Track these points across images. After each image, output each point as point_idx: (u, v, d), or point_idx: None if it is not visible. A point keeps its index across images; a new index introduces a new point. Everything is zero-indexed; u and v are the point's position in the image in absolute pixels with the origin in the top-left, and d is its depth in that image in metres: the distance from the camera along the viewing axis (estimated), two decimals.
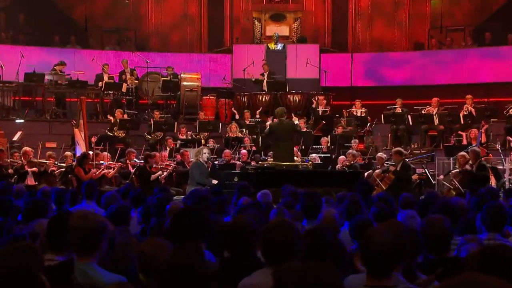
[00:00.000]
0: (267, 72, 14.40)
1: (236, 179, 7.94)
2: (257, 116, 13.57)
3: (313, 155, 10.85)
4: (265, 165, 9.11)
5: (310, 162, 9.29)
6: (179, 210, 2.75)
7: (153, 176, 9.38)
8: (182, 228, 2.62)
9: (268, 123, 9.64)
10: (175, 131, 12.35)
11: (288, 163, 8.71)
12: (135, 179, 9.57)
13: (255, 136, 12.14)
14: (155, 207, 4.21)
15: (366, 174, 9.37)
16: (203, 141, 11.99)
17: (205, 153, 8.32)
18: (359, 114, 13.27)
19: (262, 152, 11.01)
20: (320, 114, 13.22)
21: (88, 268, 2.31)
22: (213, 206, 4.06)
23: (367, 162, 10.66)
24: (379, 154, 10.04)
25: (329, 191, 8.06)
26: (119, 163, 9.79)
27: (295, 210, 4.36)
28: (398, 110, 12.81)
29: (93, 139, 11.18)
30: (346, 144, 11.59)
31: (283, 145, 8.88)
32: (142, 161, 9.80)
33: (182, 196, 6.66)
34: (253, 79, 14.11)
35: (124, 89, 13.26)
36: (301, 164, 9.09)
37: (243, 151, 11.01)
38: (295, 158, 9.39)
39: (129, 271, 2.43)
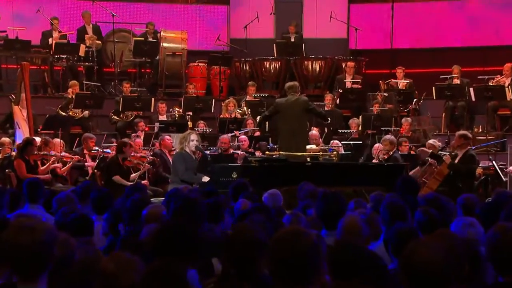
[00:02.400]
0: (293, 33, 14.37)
1: (235, 175, 8.00)
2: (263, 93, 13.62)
3: (337, 141, 10.89)
4: (274, 156, 9.18)
5: (335, 152, 9.34)
6: (166, 221, 2.82)
7: (133, 176, 9.44)
8: (165, 243, 2.68)
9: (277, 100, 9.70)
10: (151, 110, 12.44)
11: (302, 153, 8.79)
12: (99, 176, 9.65)
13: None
14: (127, 212, 4.27)
15: (412, 171, 9.40)
16: (190, 124, 12.05)
17: (192, 140, 8.35)
18: (401, 86, 13.30)
19: (270, 139, 11.06)
20: (349, 87, 13.25)
21: None
22: (204, 212, 4.13)
23: (413, 152, 10.71)
24: (431, 141, 10.06)
25: (360, 192, 8.14)
26: (76, 156, 9.87)
27: (311, 216, 4.42)
28: (456, 80, 12.81)
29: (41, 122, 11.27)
30: (383, 128, 11.64)
31: (293, 130, 8.95)
32: (111, 151, 9.88)
33: (162, 199, 6.73)
34: None
35: (82, 53, 13.31)
36: (322, 154, 9.15)
37: (242, 136, 11.06)
38: (314, 146, 9.46)
39: None
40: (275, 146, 10.16)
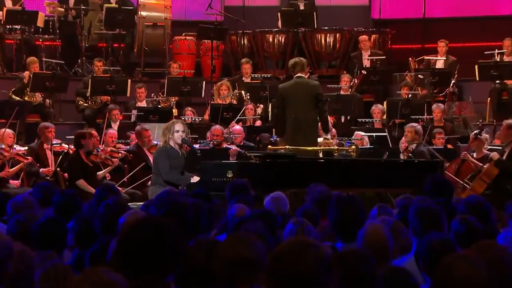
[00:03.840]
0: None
1: (230, 175, 8.02)
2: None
3: (360, 133, 10.89)
4: (279, 151, 9.20)
5: (354, 147, 9.35)
6: (136, 224, 2.81)
7: (100, 174, 9.46)
8: (144, 255, 2.69)
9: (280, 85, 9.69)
10: (128, 94, 12.46)
11: (313, 148, 8.81)
12: (61, 175, 9.67)
13: (261, 106, 12.20)
14: (100, 219, 4.29)
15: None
16: (175, 111, 12.07)
17: (177, 131, 8.34)
18: (437, 65, 13.30)
19: (274, 130, 11.07)
20: (370, 65, 13.26)
21: None
22: (192, 219, 4.15)
23: (450, 146, 10.72)
24: (484, 135, 10.00)
25: (384, 195, 8.17)
26: (29, 158, 9.83)
27: (323, 226, 4.44)
28: (506, 57, 12.79)
29: None
30: (413, 116, 11.65)
31: (301, 120, 8.96)
32: (71, 145, 9.89)
33: (141, 203, 6.74)
34: None
35: (41, 23, 13.31)
36: (337, 149, 9.16)
37: (236, 127, 11.03)
38: (328, 138, 9.46)
39: None
40: (280, 139, 10.17)
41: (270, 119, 11.87)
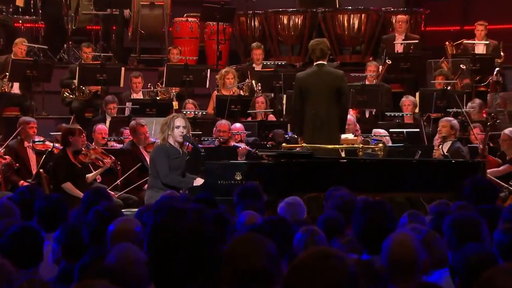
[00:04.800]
0: None
1: (239, 177, 8.05)
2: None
3: (380, 131, 10.86)
4: (294, 150, 9.20)
5: (381, 144, 9.36)
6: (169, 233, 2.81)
7: (90, 177, 9.48)
8: (183, 270, 2.69)
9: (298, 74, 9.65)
10: (121, 84, 12.50)
11: (334, 146, 8.80)
12: (45, 178, 9.70)
13: (272, 95, 12.22)
14: (88, 228, 4.33)
15: (491, 170, 9.39)
16: (175, 104, 12.09)
17: (178, 127, 8.38)
18: (476, 50, 13.27)
19: (289, 126, 11.08)
20: (401, 51, 13.24)
21: None
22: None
23: (491, 145, 10.68)
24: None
25: (416, 200, 8.15)
26: (7, 157, 9.87)
27: (347, 236, 4.45)
28: None
29: None
30: (450, 109, 11.64)
31: (321, 115, 8.95)
32: (57, 143, 9.91)
33: (135, 209, 6.77)
34: None
35: (20, 2, 13.38)
36: (362, 147, 9.17)
37: (236, 125, 10.95)
38: (350, 135, 9.46)
39: None
40: (294, 135, 10.19)
41: (284, 113, 11.88)
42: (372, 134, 10.60)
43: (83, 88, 12.47)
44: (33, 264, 4.05)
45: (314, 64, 9.19)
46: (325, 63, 9.18)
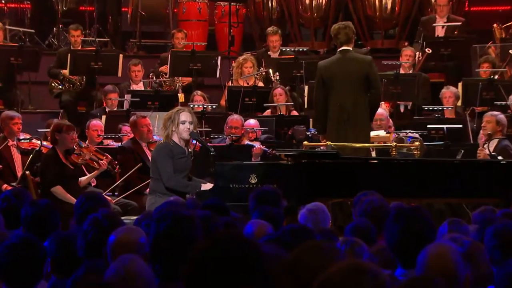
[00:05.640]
0: None
1: (254, 180, 8.07)
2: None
3: (406, 132, 10.81)
4: (318, 149, 9.22)
5: (417, 143, 9.37)
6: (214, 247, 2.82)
7: (83, 180, 9.50)
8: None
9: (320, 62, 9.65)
10: (119, 73, 12.55)
11: (363, 144, 8.80)
12: (32, 181, 9.74)
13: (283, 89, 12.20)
14: (84, 238, 4.35)
15: None
16: (181, 96, 12.10)
17: (183, 123, 8.40)
18: None
19: (311, 121, 11.08)
20: (442, 35, 13.21)
21: None
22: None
23: None
24: None
25: (458, 206, 8.14)
26: None
27: (380, 247, 4.46)
28: None
29: None
30: (498, 102, 11.61)
31: (348, 109, 8.94)
32: (45, 141, 9.94)
33: (135, 217, 6.82)
34: None
35: None
36: (396, 146, 9.17)
37: (250, 121, 10.97)
38: (381, 132, 9.44)
39: None
40: (318, 133, 10.19)
41: (306, 107, 11.88)
42: (406, 133, 10.58)
43: (74, 78, 12.46)
44: (32, 284, 4.01)
45: (338, 50, 9.21)
46: (350, 48, 9.20)
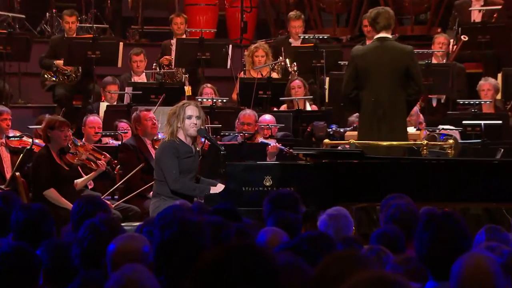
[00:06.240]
0: None
1: (269, 183, 8.08)
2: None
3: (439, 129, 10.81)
4: (340, 147, 9.21)
5: (451, 141, 9.36)
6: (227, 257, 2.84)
7: (79, 183, 9.53)
8: None
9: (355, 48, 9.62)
10: (118, 64, 12.58)
11: (390, 142, 8.81)
12: (22, 183, 9.77)
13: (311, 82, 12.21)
14: (80, 246, 4.38)
15: None
16: (188, 89, 12.12)
17: (189, 118, 8.41)
18: None
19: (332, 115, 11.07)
20: (479, 20, 13.19)
21: None
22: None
23: None
24: None
25: (497, 212, 8.13)
26: None
27: (408, 257, 4.47)
28: None
29: None
30: None
31: (386, 104, 8.95)
32: (37, 139, 9.96)
33: (138, 224, 6.84)
34: None
35: None
36: (427, 144, 9.16)
37: (265, 117, 10.95)
38: (411, 129, 9.42)
39: None
40: (342, 130, 10.20)
41: (327, 101, 11.88)
42: (440, 128, 10.56)
43: (69, 69, 12.47)
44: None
45: (375, 37, 9.16)
46: (390, 36, 9.15)
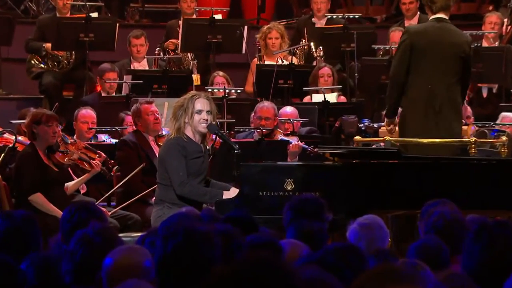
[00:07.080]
0: None
1: (290, 186, 8.10)
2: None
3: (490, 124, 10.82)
4: (374, 146, 9.23)
5: (505, 138, 9.36)
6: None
7: (71, 186, 9.57)
8: None
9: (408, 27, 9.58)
10: (115, 48, 12.63)
11: (432, 140, 8.83)
12: (4, 187, 9.82)
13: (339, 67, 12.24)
14: (72, 260, 4.39)
15: None
16: (196, 78, 12.15)
17: (199, 112, 8.45)
18: None
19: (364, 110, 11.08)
20: None
21: None
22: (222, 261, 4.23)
23: None
24: None
25: None
26: None
27: (453, 273, 4.48)
28: None
29: None
30: None
31: (442, 95, 8.97)
32: (21, 136, 10.02)
33: (138, 235, 6.88)
34: None
35: None
36: (476, 142, 9.17)
37: (286, 109, 10.98)
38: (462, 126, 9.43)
39: None
40: (376, 125, 10.22)
41: (358, 92, 11.89)
42: (499, 121, 10.56)
43: (60, 54, 12.52)
44: None
45: (432, 17, 9.10)
46: (447, 18, 9.10)
